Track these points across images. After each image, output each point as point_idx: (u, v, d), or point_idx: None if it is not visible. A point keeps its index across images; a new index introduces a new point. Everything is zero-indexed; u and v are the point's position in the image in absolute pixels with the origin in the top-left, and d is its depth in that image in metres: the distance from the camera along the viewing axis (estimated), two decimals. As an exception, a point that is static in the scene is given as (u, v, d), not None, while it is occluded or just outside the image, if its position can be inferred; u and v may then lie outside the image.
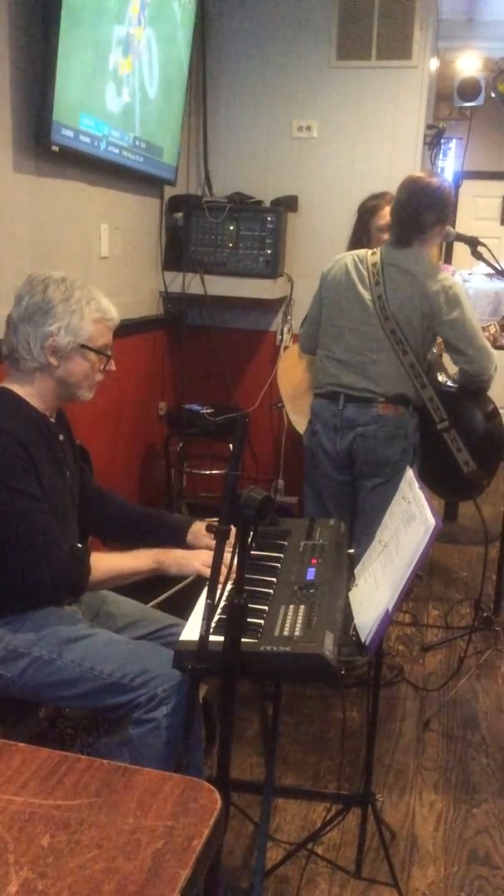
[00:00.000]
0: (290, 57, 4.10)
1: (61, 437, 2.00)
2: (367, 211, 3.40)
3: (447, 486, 3.09)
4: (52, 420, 1.98)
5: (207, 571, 1.62)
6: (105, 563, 1.92)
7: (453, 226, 3.16)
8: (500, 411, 3.06)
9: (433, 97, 4.78)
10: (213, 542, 1.55)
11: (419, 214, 2.79)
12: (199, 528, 2.12)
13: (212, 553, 1.57)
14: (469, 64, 5.38)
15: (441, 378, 3.03)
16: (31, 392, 1.92)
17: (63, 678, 1.82)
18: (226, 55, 4.16)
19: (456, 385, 2.99)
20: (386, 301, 2.79)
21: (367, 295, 2.84)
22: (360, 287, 2.86)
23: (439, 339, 2.97)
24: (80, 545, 1.96)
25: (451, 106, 5.68)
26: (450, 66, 5.39)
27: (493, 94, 5.50)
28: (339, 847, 2.25)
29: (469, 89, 5.40)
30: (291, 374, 3.54)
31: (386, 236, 3.00)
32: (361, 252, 2.95)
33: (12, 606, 1.88)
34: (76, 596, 1.98)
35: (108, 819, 0.90)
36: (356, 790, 2.25)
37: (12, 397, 1.91)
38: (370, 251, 2.92)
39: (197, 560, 1.94)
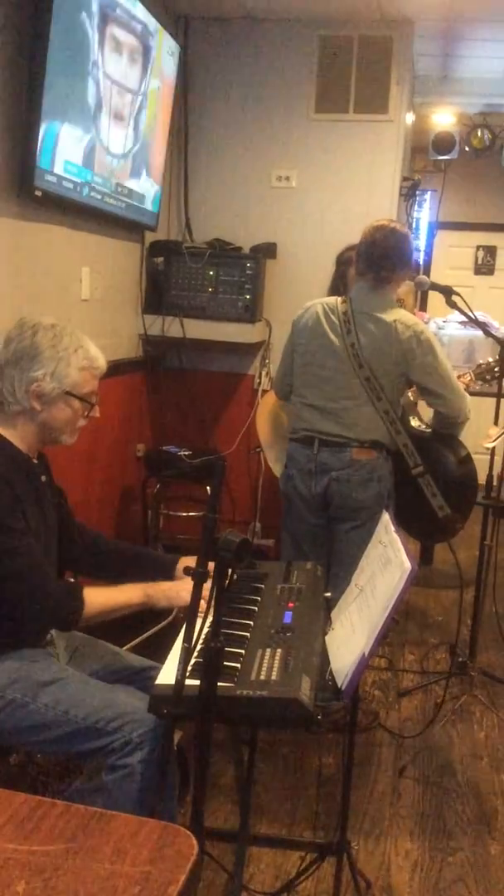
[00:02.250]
0: (270, 109, 4.21)
1: (43, 479, 2.01)
2: (343, 262, 3.46)
3: (422, 529, 3.11)
4: (35, 461, 1.99)
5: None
6: (98, 597, 1.92)
7: (428, 275, 3.23)
8: (473, 456, 3.10)
9: (409, 150, 4.92)
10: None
11: (390, 257, 2.85)
12: (187, 563, 2.11)
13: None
14: (444, 118, 5.54)
15: (414, 423, 3.07)
16: (14, 434, 1.93)
17: (37, 722, 1.80)
18: (207, 106, 4.25)
19: (429, 429, 3.03)
20: (359, 349, 2.83)
21: (339, 343, 2.88)
22: (332, 335, 2.89)
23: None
24: (72, 580, 1.97)
25: (427, 158, 5.83)
26: (425, 120, 5.54)
27: (466, 148, 5.66)
28: (313, 897, 2.21)
29: (444, 143, 5.55)
30: (270, 418, 3.57)
31: None
32: (331, 300, 2.98)
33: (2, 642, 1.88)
34: (70, 629, 1.99)
35: (83, 865, 0.89)
36: (332, 837, 2.23)
37: None
38: (340, 299, 2.96)
39: (185, 591, 1.93)
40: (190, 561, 2.07)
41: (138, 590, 1.96)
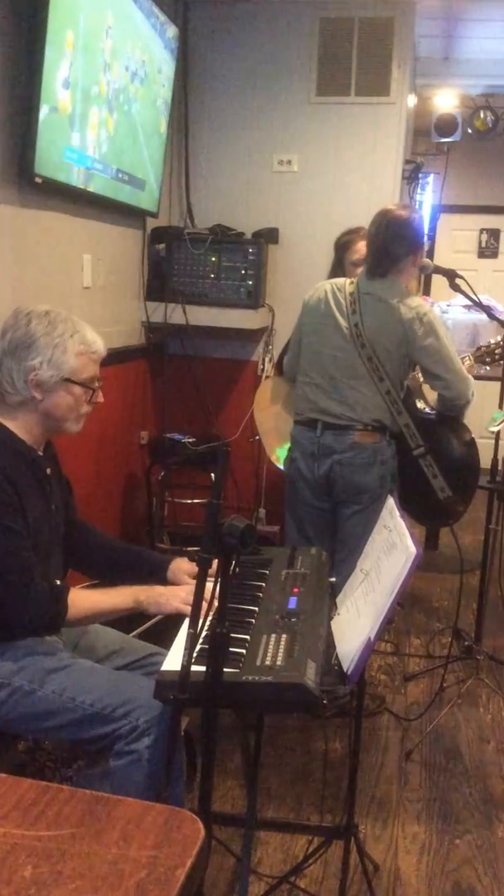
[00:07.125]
0: (270, 93, 4.18)
1: (48, 471, 1.99)
2: (341, 246, 3.44)
3: (424, 512, 3.10)
4: (40, 453, 1.98)
5: (187, 609, 1.62)
6: (84, 601, 1.91)
7: (431, 258, 3.21)
8: (478, 440, 3.08)
9: (411, 133, 4.88)
10: (193, 579, 1.55)
11: (389, 245, 2.85)
12: (179, 565, 2.11)
13: (191, 590, 1.56)
14: (446, 100, 5.49)
15: (420, 405, 3.06)
16: (18, 425, 1.92)
17: (44, 709, 1.80)
18: (208, 90, 4.22)
19: (434, 412, 3.02)
20: (363, 328, 2.84)
21: (344, 322, 2.88)
22: (337, 314, 2.90)
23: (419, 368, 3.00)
24: (59, 582, 1.95)
25: (429, 141, 5.79)
26: (427, 102, 5.50)
27: (469, 130, 5.62)
28: (321, 880, 2.23)
29: (446, 125, 5.51)
30: (267, 405, 3.55)
31: (360, 270, 3.04)
32: (340, 281, 3.00)
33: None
34: (53, 633, 1.97)
35: (90, 849, 0.89)
36: (339, 821, 2.24)
37: (0, 431, 1.90)
38: (348, 281, 2.97)
39: (176, 598, 1.92)
40: (184, 563, 2.09)
41: (128, 594, 1.94)
